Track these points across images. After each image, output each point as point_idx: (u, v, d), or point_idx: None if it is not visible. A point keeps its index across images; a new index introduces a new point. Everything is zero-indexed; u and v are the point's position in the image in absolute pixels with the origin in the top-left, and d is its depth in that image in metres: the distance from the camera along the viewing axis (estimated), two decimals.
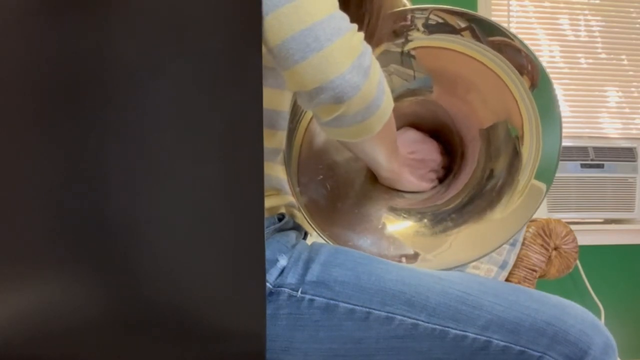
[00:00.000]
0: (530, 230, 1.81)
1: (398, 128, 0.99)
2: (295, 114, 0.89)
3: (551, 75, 0.93)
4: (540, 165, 0.94)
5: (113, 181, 0.65)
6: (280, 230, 0.85)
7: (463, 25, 0.90)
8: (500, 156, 0.96)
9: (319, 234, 0.92)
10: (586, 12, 2.75)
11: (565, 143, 2.39)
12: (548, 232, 1.82)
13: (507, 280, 1.80)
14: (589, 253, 2.51)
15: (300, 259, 0.82)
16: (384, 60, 0.90)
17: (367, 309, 0.80)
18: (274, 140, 0.87)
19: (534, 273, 1.82)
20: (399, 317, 0.79)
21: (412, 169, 0.98)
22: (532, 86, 0.92)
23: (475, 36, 0.90)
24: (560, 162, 0.95)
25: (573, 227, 1.89)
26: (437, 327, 0.80)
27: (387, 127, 0.81)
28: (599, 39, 2.74)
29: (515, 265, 1.81)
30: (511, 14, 2.67)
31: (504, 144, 0.96)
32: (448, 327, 0.80)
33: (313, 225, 0.91)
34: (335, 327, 0.80)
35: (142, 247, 0.67)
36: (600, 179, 2.50)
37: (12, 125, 0.64)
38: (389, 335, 0.80)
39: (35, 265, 0.66)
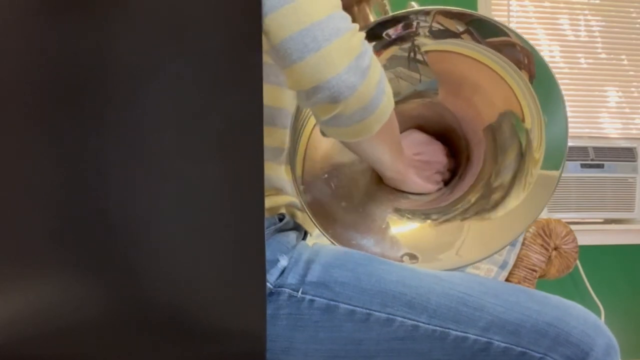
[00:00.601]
0: (530, 230, 1.81)
1: (404, 129, 0.99)
2: (301, 113, 0.89)
3: None
4: (547, 155, 0.93)
5: (113, 181, 0.65)
6: (281, 230, 0.85)
7: (461, 29, 0.91)
8: (505, 155, 0.96)
9: (322, 233, 0.92)
10: (586, 12, 2.75)
11: None
12: (548, 232, 1.82)
13: (507, 280, 1.80)
14: (589, 253, 2.51)
15: (300, 260, 0.82)
16: (392, 63, 0.91)
17: (368, 310, 0.79)
18: (274, 138, 0.87)
19: (534, 273, 1.82)
20: (400, 318, 0.79)
21: (417, 170, 0.98)
22: (531, 77, 0.92)
23: (474, 38, 0.91)
24: None
25: (573, 227, 1.89)
26: (437, 328, 0.79)
27: (387, 128, 0.80)
28: (599, 39, 2.74)
29: (515, 265, 1.81)
30: (511, 14, 2.67)
31: (509, 141, 0.96)
32: (449, 328, 0.80)
33: (316, 224, 0.91)
34: (336, 328, 0.80)
35: (142, 247, 0.67)
36: (600, 179, 2.50)
37: (12, 125, 0.64)
38: (389, 336, 0.80)
39: (35, 265, 0.66)
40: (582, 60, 2.73)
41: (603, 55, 2.75)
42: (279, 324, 0.79)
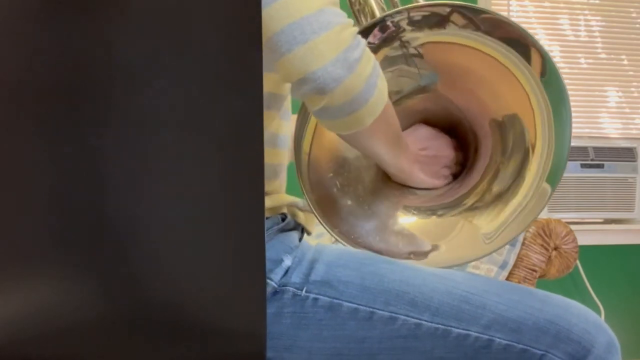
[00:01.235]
0: (530, 230, 1.81)
1: (410, 125, 0.98)
2: (306, 112, 0.89)
3: None
4: (552, 162, 0.93)
5: (113, 181, 0.65)
6: (283, 230, 0.86)
7: (445, 13, 0.89)
8: (512, 154, 0.95)
9: (328, 231, 0.92)
10: (586, 12, 2.75)
11: None
12: (548, 232, 1.82)
13: (507, 280, 1.80)
14: (589, 253, 2.51)
15: (304, 259, 0.83)
16: (390, 63, 0.90)
17: (371, 309, 0.80)
18: (267, 122, 0.87)
19: (534, 273, 1.82)
20: (402, 316, 0.80)
21: (424, 165, 0.97)
22: (541, 74, 0.91)
23: (468, 26, 0.89)
24: None
25: (573, 227, 1.89)
26: (440, 326, 0.80)
27: (383, 122, 0.80)
28: (599, 39, 2.74)
29: (515, 265, 1.81)
30: (511, 14, 2.67)
31: (517, 140, 0.95)
32: (451, 326, 0.80)
33: (323, 223, 0.91)
34: (339, 327, 0.80)
35: (142, 247, 0.67)
36: (600, 179, 2.50)
37: (12, 125, 0.64)
38: (392, 335, 0.80)
39: (35, 265, 0.66)
40: (582, 60, 2.73)
41: (603, 55, 2.75)
42: (283, 323, 0.80)
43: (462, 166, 1.01)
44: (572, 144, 0.93)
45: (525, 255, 1.81)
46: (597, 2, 2.75)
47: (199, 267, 0.67)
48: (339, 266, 0.82)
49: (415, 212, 0.97)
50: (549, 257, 1.82)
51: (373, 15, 0.93)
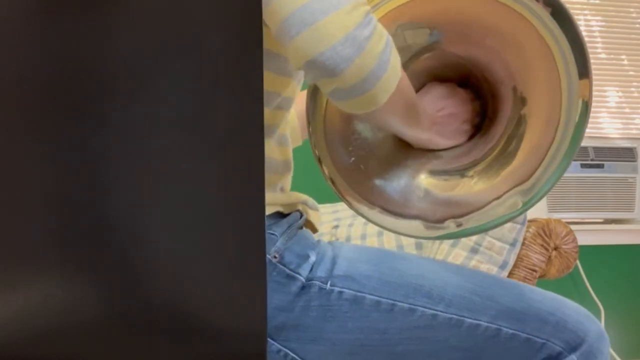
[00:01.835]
0: (530, 230, 1.81)
1: (422, 85, 0.96)
2: (318, 95, 0.88)
3: None
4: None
5: (113, 181, 0.65)
6: (302, 227, 0.89)
7: None
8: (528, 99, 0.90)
9: (368, 219, 0.92)
10: (586, 12, 2.75)
11: None
12: (548, 232, 1.82)
13: None
14: (589, 253, 2.51)
15: (326, 255, 0.86)
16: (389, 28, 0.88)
17: (392, 301, 0.84)
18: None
19: (534, 273, 1.82)
20: (421, 308, 0.84)
21: (443, 126, 0.95)
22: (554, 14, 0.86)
23: None
24: None
25: (573, 227, 1.89)
26: (454, 316, 0.85)
27: (397, 97, 0.79)
28: (599, 39, 2.74)
29: (515, 265, 1.81)
30: None
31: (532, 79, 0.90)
32: (463, 316, 0.85)
33: (354, 202, 0.91)
34: (363, 318, 0.83)
35: (142, 247, 0.67)
36: (600, 179, 2.49)
37: (12, 125, 0.64)
38: (412, 325, 0.84)
39: (36, 265, 0.66)
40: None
41: (603, 55, 2.75)
42: (310, 315, 0.83)
43: (484, 116, 0.98)
44: None
45: (525, 255, 1.81)
46: (597, 2, 2.75)
47: (199, 267, 0.67)
48: (359, 261, 0.86)
49: (446, 177, 0.93)
50: (549, 257, 1.82)
51: None
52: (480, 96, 0.98)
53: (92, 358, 0.69)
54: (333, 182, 0.93)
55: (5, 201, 0.65)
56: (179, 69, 0.64)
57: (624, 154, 2.52)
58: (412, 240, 1.67)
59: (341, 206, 1.83)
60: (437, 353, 0.85)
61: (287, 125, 0.92)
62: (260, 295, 0.68)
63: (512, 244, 1.77)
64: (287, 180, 0.92)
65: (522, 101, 0.90)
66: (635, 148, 2.54)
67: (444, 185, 0.93)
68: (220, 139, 0.65)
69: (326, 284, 0.83)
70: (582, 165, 2.47)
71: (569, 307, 0.89)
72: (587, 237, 2.47)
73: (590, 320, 0.89)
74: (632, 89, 2.77)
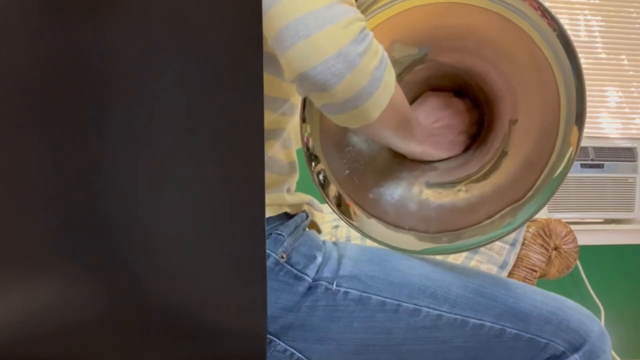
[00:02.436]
0: (530, 230, 1.81)
1: (417, 96, 0.95)
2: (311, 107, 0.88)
3: None
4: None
5: (113, 181, 0.65)
6: (307, 227, 0.90)
7: None
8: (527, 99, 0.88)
9: (353, 226, 0.91)
10: (586, 12, 2.74)
11: None
12: (548, 232, 1.82)
13: None
14: (589, 253, 2.51)
15: (332, 256, 0.86)
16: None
17: (397, 302, 0.84)
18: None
19: (534, 273, 1.82)
20: (425, 308, 0.85)
21: (438, 138, 0.94)
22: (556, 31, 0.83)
23: None
24: None
25: (573, 227, 1.89)
26: (458, 317, 0.85)
27: (390, 113, 0.79)
28: (598, 39, 2.74)
29: (515, 265, 1.80)
30: None
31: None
32: (467, 316, 0.85)
33: (354, 227, 0.91)
34: (368, 318, 0.84)
35: (142, 247, 0.67)
36: (600, 179, 2.49)
37: (12, 125, 0.64)
38: (417, 325, 0.84)
39: (36, 265, 0.66)
40: (582, 60, 2.72)
41: (603, 55, 2.74)
42: (316, 315, 0.83)
43: (482, 124, 0.96)
44: None
45: (525, 255, 1.81)
46: (597, 2, 2.75)
47: (199, 267, 0.67)
48: (364, 262, 0.86)
49: (440, 191, 0.93)
50: (549, 257, 1.82)
51: None
52: (477, 105, 0.97)
53: (92, 358, 0.69)
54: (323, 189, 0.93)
55: (5, 201, 0.64)
56: (179, 69, 0.64)
57: (624, 154, 2.52)
58: None
59: None
60: (441, 353, 0.86)
61: (292, 128, 0.92)
62: (260, 295, 0.68)
63: (512, 244, 1.77)
64: (294, 182, 0.93)
65: (516, 113, 0.89)
66: (635, 148, 2.54)
67: (438, 198, 0.92)
68: (220, 139, 0.65)
69: (332, 284, 0.84)
70: (582, 165, 2.47)
71: (571, 307, 0.90)
72: (587, 237, 2.47)
73: (592, 319, 0.90)
74: (632, 89, 2.77)
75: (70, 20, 0.63)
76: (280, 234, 0.84)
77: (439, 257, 0.95)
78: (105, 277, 0.66)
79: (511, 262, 1.78)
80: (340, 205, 0.92)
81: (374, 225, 0.92)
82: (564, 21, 2.73)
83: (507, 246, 1.76)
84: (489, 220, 0.88)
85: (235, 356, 0.70)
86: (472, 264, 1.69)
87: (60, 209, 0.65)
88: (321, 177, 0.92)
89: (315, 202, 0.95)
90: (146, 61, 0.64)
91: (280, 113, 0.87)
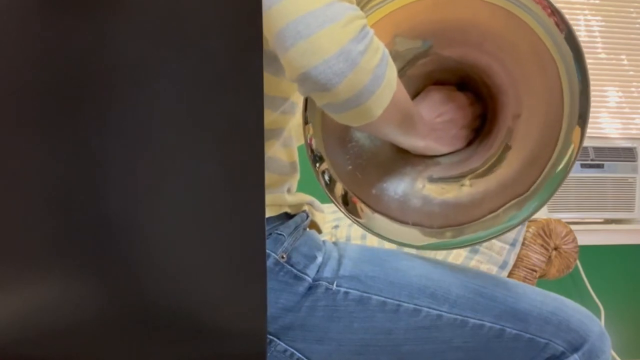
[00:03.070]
0: (530, 230, 1.81)
1: (420, 91, 0.95)
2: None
3: None
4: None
5: (113, 181, 0.65)
6: (308, 228, 0.89)
7: None
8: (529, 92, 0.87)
9: (360, 224, 0.91)
10: (586, 12, 2.74)
11: None
12: (548, 232, 1.82)
13: None
14: (589, 253, 2.51)
15: (332, 256, 0.86)
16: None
17: (397, 302, 0.84)
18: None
19: (534, 273, 1.82)
20: (425, 309, 0.84)
21: (441, 132, 0.93)
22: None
23: None
24: None
25: (573, 227, 1.89)
26: (458, 317, 0.85)
27: (392, 110, 0.79)
28: (598, 39, 2.74)
29: (515, 265, 1.80)
30: None
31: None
32: (467, 317, 0.85)
33: (363, 208, 0.91)
34: (369, 319, 0.84)
35: (142, 247, 0.66)
36: (600, 179, 2.49)
37: (12, 125, 0.64)
38: (417, 326, 0.84)
39: (36, 265, 0.66)
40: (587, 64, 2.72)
41: (603, 55, 2.74)
42: (316, 315, 0.83)
43: (485, 117, 0.96)
44: None
45: (525, 255, 1.81)
46: (597, 2, 2.74)
47: (199, 266, 0.67)
48: (364, 262, 0.86)
49: (444, 186, 0.92)
50: (549, 257, 1.82)
51: None
52: (480, 99, 0.96)
53: (92, 358, 0.69)
54: (329, 188, 0.93)
55: (6, 201, 0.64)
56: (179, 69, 0.64)
57: (624, 154, 2.52)
58: None
59: None
60: (441, 353, 0.86)
61: (292, 127, 0.92)
62: (261, 295, 0.68)
63: (512, 244, 1.77)
64: (294, 182, 0.93)
65: (519, 107, 0.88)
66: (635, 148, 2.54)
67: (442, 193, 0.92)
68: (220, 139, 0.65)
69: (332, 284, 0.84)
70: (582, 165, 2.47)
71: (571, 307, 0.90)
72: (587, 237, 2.47)
73: (592, 319, 0.90)
74: (632, 89, 2.77)
75: (70, 20, 0.63)
76: (280, 234, 0.84)
77: (440, 257, 0.95)
78: (105, 277, 0.66)
79: (511, 262, 1.78)
80: (347, 204, 0.92)
81: (380, 221, 0.92)
82: None
83: (507, 246, 1.76)
84: (492, 215, 0.87)
85: (235, 356, 0.70)
86: (472, 264, 1.69)
87: (60, 209, 0.65)
88: (326, 176, 0.92)
89: (316, 202, 0.95)
90: (146, 61, 0.63)
91: (280, 112, 0.87)
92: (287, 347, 0.84)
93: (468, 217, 0.89)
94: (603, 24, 2.75)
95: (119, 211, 0.65)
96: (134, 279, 0.67)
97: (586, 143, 2.51)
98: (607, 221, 2.59)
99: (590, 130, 2.70)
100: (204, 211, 0.66)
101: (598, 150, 2.50)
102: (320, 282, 0.84)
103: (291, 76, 0.74)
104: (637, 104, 2.76)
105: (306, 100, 0.89)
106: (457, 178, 0.92)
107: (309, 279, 0.83)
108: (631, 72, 2.77)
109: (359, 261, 0.86)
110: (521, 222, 0.86)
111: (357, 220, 0.92)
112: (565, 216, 2.42)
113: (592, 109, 2.73)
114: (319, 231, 0.95)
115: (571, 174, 2.47)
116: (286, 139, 0.90)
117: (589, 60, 2.73)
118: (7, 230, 0.65)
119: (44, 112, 0.64)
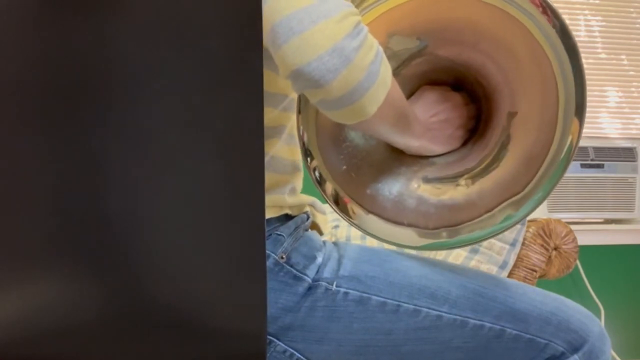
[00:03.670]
0: (530, 230, 1.81)
1: (414, 90, 0.94)
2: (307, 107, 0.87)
3: None
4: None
5: (113, 181, 0.65)
6: (309, 228, 0.89)
7: None
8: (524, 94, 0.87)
9: (353, 224, 0.91)
10: (586, 12, 2.74)
11: None
12: (548, 232, 1.82)
13: None
14: (589, 253, 2.51)
15: (332, 256, 0.86)
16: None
17: (397, 302, 0.84)
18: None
19: (534, 273, 1.82)
20: (425, 309, 0.84)
21: (436, 132, 0.93)
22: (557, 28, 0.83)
23: None
24: None
25: (573, 227, 1.89)
26: (458, 317, 0.85)
27: (387, 107, 0.78)
28: (598, 39, 2.74)
29: (515, 265, 1.80)
30: None
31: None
32: (467, 317, 0.85)
33: (355, 210, 0.91)
34: (368, 319, 0.84)
35: (142, 247, 0.66)
36: (600, 179, 2.49)
37: (12, 125, 0.64)
38: (416, 326, 0.84)
39: (36, 265, 0.66)
40: (582, 60, 2.72)
41: (603, 55, 2.74)
42: (316, 316, 0.83)
43: (479, 118, 0.95)
44: None
45: (525, 255, 1.81)
46: (597, 2, 2.74)
47: (199, 267, 0.67)
48: (364, 262, 0.86)
49: (439, 186, 0.91)
50: (549, 257, 1.82)
51: None
52: (474, 99, 0.96)
53: (92, 358, 0.69)
54: (322, 188, 0.93)
55: (6, 201, 0.64)
56: (179, 69, 0.64)
57: (624, 154, 2.52)
58: None
59: None
60: (441, 353, 0.86)
61: (294, 124, 0.92)
62: (261, 295, 0.68)
63: (512, 244, 1.77)
64: (298, 181, 0.91)
65: (515, 107, 0.88)
66: (635, 148, 2.54)
67: (437, 193, 0.91)
68: (220, 139, 0.65)
69: (332, 284, 0.84)
70: (582, 165, 2.47)
71: (571, 308, 0.90)
72: (587, 237, 2.47)
73: (592, 320, 0.90)
74: (632, 89, 2.77)
75: (70, 20, 0.63)
76: (280, 235, 0.84)
77: (439, 258, 0.95)
78: (105, 277, 0.66)
79: (511, 262, 1.78)
80: (338, 203, 0.92)
81: (373, 222, 0.91)
82: None
83: (507, 246, 1.76)
84: (488, 214, 0.87)
85: (235, 356, 0.70)
86: (472, 264, 1.69)
87: (60, 209, 0.65)
88: (317, 173, 0.92)
89: (318, 203, 0.95)
90: (146, 61, 0.63)
91: (281, 109, 0.87)
92: (286, 347, 0.84)
93: (464, 217, 0.88)
94: (603, 24, 2.75)
95: (119, 211, 0.65)
96: (134, 279, 0.67)
97: (586, 143, 2.51)
98: (607, 221, 2.59)
99: (590, 130, 2.70)
100: (204, 211, 0.66)
101: (598, 150, 2.50)
102: (320, 282, 0.84)
103: (284, 73, 0.73)
104: (637, 104, 2.76)
105: (299, 96, 0.89)
106: (453, 178, 0.92)
107: (309, 280, 0.83)
108: (631, 72, 2.77)
109: (358, 261, 0.86)
110: (518, 222, 0.86)
111: (349, 220, 0.92)
112: (565, 216, 2.42)
113: (592, 109, 2.73)
114: (320, 232, 0.95)
115: (571, 174, 2.47)
116: (289, 137, 0.90)
117: (589, 61, 2.74)
118: (7, 230, 0.65)
119: (44, 112, 0.64)
